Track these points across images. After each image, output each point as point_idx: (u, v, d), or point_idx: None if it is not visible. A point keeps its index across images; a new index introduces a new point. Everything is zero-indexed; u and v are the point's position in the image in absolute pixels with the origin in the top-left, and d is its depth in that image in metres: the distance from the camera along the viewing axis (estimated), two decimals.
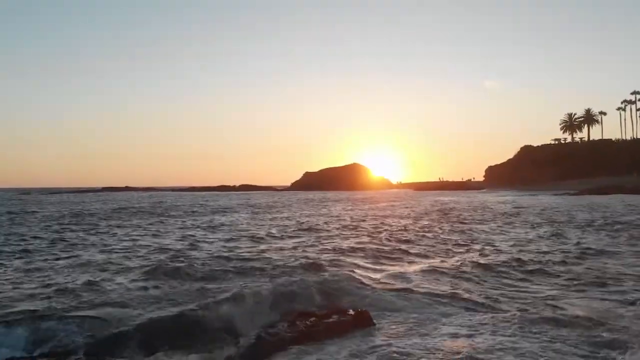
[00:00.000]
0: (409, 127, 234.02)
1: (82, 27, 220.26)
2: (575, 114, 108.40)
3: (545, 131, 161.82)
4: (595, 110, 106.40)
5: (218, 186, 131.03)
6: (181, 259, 10.96)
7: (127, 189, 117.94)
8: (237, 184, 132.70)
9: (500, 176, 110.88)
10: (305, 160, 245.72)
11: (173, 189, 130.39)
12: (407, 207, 36.39)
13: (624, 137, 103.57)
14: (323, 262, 10.39)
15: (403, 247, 13.30)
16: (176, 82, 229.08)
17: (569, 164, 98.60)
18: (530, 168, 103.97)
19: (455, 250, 12.83)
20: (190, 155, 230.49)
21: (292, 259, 10.76)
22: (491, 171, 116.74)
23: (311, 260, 10.47)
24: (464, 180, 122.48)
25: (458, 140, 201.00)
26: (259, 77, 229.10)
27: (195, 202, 51.06)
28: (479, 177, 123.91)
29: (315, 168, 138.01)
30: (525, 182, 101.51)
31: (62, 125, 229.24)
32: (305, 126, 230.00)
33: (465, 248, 13.14)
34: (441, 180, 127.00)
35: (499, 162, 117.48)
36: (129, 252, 12.47)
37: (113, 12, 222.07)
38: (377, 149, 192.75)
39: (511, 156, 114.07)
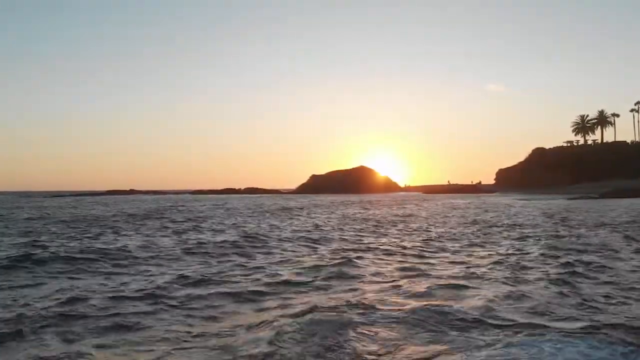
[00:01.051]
0: (413, 129, 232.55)
1: (85, 27, 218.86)
2: (587, 116, 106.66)
3: (555, 134, 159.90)
4: (607, 112, 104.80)
5: (224, 189, 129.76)
6: None
7: (132, 192, 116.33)
8: (242, 187, 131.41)
9: (511, 179, 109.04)
10: (308, 163, 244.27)
11: (178, 192, 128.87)
12: (449, 212, 33.01)
13: (637, 139, 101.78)
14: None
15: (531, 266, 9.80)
16: (180, 85, 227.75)
17: (583, 167, 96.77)
18: (542, 171, 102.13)
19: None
20: (194, 158, 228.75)
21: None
22: (502, 174, 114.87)
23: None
24: (474, 183, 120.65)
25: (463, 144, 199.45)
26: (262, 80, 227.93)
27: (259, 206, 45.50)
28: (485, 179, 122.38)
29: (318, 171, 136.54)
30: (537, 185, 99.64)
31: (64, 127, 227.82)
32: (308, 129, 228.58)
33: None
34: (449, 183, 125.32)
35: (506, 165, 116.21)
36: None
37: (118, 12, 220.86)
38: (381, 152, 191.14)
39: (520, 159, 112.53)
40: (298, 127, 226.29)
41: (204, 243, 13.68)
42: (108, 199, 76.45)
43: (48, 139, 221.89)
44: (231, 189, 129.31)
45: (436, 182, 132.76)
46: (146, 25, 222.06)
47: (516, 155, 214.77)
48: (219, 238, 15.14)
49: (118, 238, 15.48)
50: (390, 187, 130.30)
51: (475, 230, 18.45)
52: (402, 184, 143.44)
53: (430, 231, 18.29)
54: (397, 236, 16.49)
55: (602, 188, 75.46)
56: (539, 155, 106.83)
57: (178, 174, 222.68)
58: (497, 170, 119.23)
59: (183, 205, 46.07)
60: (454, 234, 17.06)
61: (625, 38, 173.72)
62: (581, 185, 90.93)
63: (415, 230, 18.99)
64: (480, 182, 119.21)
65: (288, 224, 21.92)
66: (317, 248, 13.08)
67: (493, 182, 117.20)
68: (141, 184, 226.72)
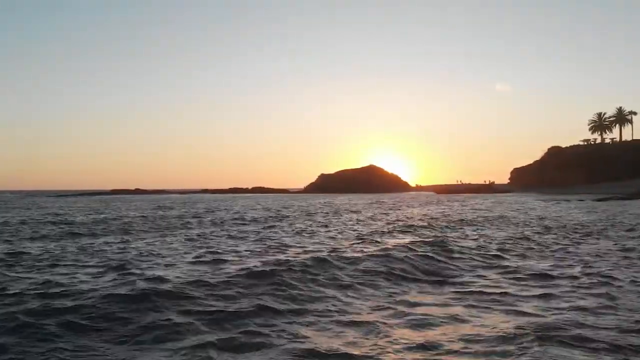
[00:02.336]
0: (420, 129, 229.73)
1: (89, 27, 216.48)
2: (604, 114, 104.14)
3: (568, 133, 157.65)
4: (625, 109, 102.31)
5: (230, 188, 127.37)
6: None
7: (137, 191, 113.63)
8: (249, 186, 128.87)
9: (527, 178, 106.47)
10: (313, 163, 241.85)
11: (184, 192, 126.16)
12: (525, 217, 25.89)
13: None
14: None
15: None
16: (185, 84, 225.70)
17: (601, 166, 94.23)
18: (559, 170, 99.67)
19: None
20: (199, 157, 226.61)
21: None
22: (517, 173, 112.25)
23: None
24: (487, 182, 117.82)
25: (471, 143, 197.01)
26: (266, 80, 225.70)
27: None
28: (495, 179, 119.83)
29: (325, 170, 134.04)
30: (554, 184, 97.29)
31: (64, 127, 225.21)
32: (314, 129, 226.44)
33: None
34: (462, 182, 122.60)
35: (516, 165, 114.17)
36: None
37: (123, 11, 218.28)
38: (388, 151, 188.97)
39: (531, 159, 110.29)
40: (303, 127, 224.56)
41: None
42: (133, 199, 74.04)
43: (49, 139, 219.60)
44: (238, 188, 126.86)
45: (444, 182, 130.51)
46: (150, 26, 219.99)
47: (525, 154, 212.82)
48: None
49: None
50: (401, 186, 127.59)
51: None
52: (413, 184, 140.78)
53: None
54: None
55: (623, 188, 73.02)
56: (555, 154, 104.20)
57: (182, 173, 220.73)
58: (508, 169, 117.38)
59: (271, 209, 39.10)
60: None
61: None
62: (601, 185, 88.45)
63: None
64: (493, 182, 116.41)
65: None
66: None
67: (507, 181, 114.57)
68: (144, 184, 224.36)
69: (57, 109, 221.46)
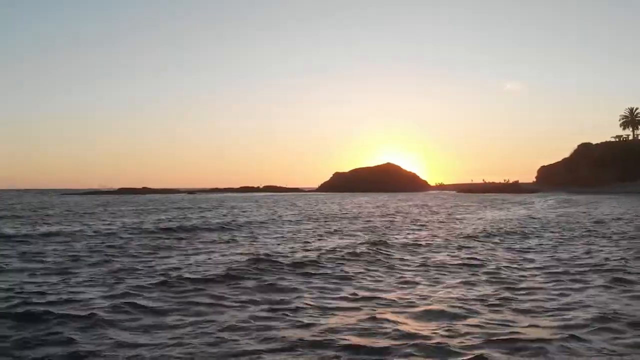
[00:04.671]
0: (438, 127, 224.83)
1: (94, 23, 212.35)
2: (637, 109, 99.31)
3: (598, 130, 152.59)
4: None
5: (241, 187, 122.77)
6: None
7: (145, 190, 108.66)
8: (260, 185, 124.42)
9: (555, 177, 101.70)
10: (326, 161, 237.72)
11: (192, 191, 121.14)
12: None
13: None
14: None
15: None
16: (195, 82, 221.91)
17: (634, 163, 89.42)
18: (589, 168, 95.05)
19: None
20: (206, 156, 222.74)
21: None
22: (544, 171, 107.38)
23: None
24: (505, 181, 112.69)
25: (490, 142, 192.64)
26: (276, 79, 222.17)
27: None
28: (517, 177, 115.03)
29: (337, 169, 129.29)
30: (584, 182, 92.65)
31: (64, 127, 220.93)
32: (328, 127, 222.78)
33: None
34: (484, 181, 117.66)
35: (537, 163, 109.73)
36: None
37: (129, 10, 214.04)
38: (405, 149, 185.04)
39: (558, 156, 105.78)
40: (315, 125, 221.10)
41: None
42: (158, 199, 69.16)
43: (50, 138, 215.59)
44: (249, 187, 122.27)
45: (460, 181, 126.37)
46: (158, 23, 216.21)
47: (548, 153, 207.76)
48: None
49: None
50: (420, 185, 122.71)
51: None
52: (433, 183, 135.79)
53: None
54: None
55: None
56: (586, 152, 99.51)
57: (189, 172, 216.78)
58: (528, 167, 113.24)
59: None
60: None
61: None
62: (637, 183, 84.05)
63: None
64: (517, 181, 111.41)
65: None
66: None
67: (533, 180, 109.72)
68: (148, 182, 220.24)
69: (58, 108, 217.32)
